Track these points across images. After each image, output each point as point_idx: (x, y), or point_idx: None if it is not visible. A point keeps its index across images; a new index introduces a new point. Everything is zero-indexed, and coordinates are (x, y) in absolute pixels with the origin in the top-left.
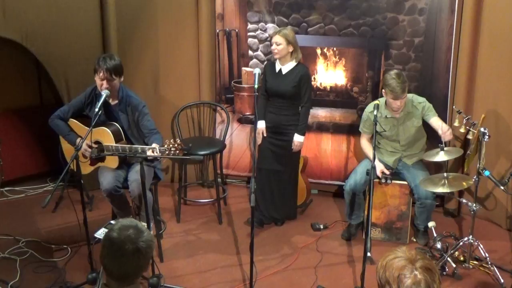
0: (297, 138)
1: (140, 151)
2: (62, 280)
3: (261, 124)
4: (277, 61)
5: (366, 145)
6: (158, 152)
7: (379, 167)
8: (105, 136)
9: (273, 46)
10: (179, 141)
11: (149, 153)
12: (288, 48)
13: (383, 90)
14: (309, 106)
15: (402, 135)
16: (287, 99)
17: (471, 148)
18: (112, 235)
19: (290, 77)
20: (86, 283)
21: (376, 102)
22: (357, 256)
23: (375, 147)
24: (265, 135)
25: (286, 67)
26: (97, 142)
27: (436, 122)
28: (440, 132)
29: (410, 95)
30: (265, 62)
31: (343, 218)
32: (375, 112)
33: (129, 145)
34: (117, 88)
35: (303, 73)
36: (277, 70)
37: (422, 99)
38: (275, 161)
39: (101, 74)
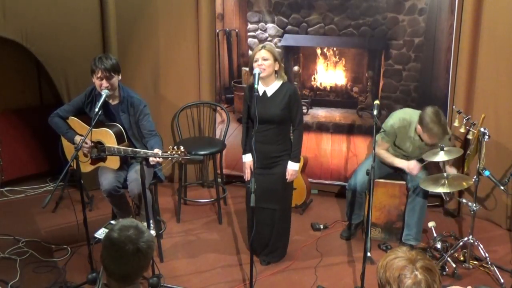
0: (292, 166)
1: (142, 154)
2: (62, 280)
3: (248, 158)
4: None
5: (383, 154)
6: (160, 159)
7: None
8: (108, 137)
9: (259, 62)
10: (182, 148)
11: (151, 159)
12: (274, 65)
13: (419, 127)
14: (302, 128)
15: (415, 154)
16: (276, 125)
17: (471, 148)
18: (112, 235)
19: (277, 99)
20: (86, 283)
21: (405, 126)
22: (357, 256)
23: (375, 147)
24: (253, 170)
25: (270, 88)
26: (99, 143)
27: None
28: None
29: None
30: (245, 86)
31: (343, 218)
32: (375, 112)
33: (131, 149)
34: (116, 87)
35: (292, 92)
36: (260, 93)
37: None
38: (266, 198)
39: (99, 73)
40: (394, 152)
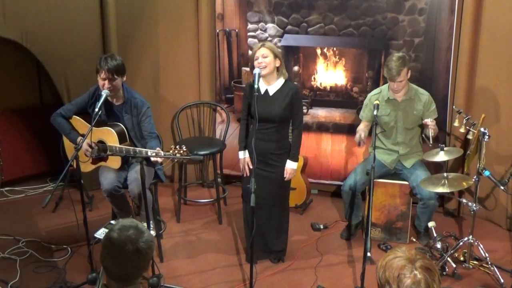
0: (290, 165)
1: (144, 154)
2: (62, 280)
3: (244, 155)
4: (261, 81)
5: (361, 127)
6: (162, 158)
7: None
8: (110, 136)
9: (259, 60)
10: (184, 147)
11: (152, 158)
12: (275, 62)
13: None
14: (301, 128)
15: (400, 122)
16: (276, 124)
17: (471, 148)
18: (112, 235)
19: (279, 98)
20: (86, 283)
21: (377, 94)
22: (357, 256)
23: (375, 148)
24: (251, 166)
25: (273, 87)
26: (100, 142)
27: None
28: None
29: (415, 86)
30: (245, 84)
31: (343, 218)
32: (375, 112)
33: (133, 148)
34: (119, 88)
35: (294, 91)
36: (262, 91)
37: (425, 92)
38: (263, 195)
39: (103, 74)
40: (385, 142)
